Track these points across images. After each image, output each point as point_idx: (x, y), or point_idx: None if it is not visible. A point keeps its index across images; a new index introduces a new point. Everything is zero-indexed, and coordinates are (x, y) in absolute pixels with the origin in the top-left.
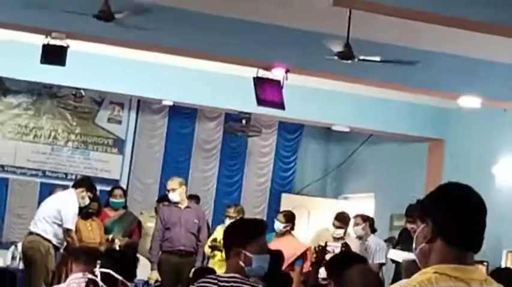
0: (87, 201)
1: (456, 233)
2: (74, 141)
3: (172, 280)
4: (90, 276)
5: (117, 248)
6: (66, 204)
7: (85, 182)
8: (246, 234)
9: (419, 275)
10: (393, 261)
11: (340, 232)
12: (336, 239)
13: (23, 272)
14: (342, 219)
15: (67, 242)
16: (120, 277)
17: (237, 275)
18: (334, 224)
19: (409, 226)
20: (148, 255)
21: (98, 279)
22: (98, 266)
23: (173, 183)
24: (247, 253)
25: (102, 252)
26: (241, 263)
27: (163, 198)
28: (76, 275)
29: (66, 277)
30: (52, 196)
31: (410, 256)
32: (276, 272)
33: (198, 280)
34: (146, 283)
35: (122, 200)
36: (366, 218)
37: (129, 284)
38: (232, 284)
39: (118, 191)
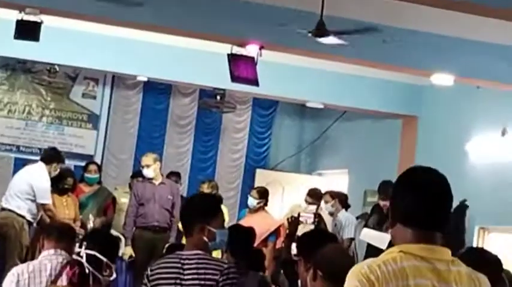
0: (58, 171)
1: (407, 215)
2: (48, 116)
3: (146, 256)
4: (75, 257)
5: (91, 225)
6: (38, 179)
7: (55, 157)
8: (210, 210)
9: (385, 254)
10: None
11: (312, 208)
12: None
13: None
14: (314, 195)
15: (49, 217)
16: (104, 259)
17: (200, 251)
18: (306, 200)
19: (382, 202)
20: (123, 231)
21: (84, 260)
22: (83, 247)
23: (147, 159)
24: (211, 229)
25: (74, 229)
26: (205, 238)
27: (137, 174)
28: (48, 252)
29: (40, 252)
30: (22, 171)
31: (382, 237)
32: (248, 248)
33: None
34: (120, 258)
35: (97, 175)
36: (335, 195)
37: (112, 265)
38: (196, 261)
39: (93, 167)
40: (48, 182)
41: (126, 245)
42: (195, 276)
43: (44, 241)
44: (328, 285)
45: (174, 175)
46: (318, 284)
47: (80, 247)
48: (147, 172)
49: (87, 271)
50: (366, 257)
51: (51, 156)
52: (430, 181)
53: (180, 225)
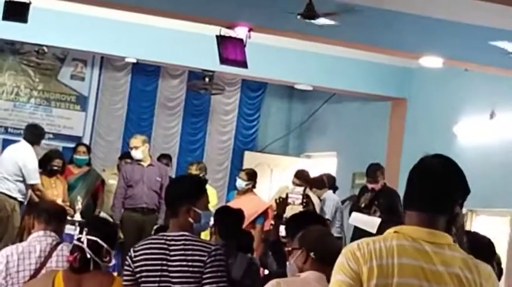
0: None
1: (408, 198)
2: (36, 97)
3: (135, 237)
4: (76, 243)
5: (80, 206)
6: (25, 160)
7: (39, 134)
8: (196, 191)
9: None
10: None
11: (300, 189)
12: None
13: None
14: (301, 177)
15: (37, 197)
16: (105, 245)
17: (186, 233)
18: (293, 182)
19: (370, 185)
20: (111, 212)
21: (85, 246)
22: (84, 233)
23: (136, 141)
24: (197, 210)
25: (65, 210)
26: (190, 220)
27: (125, 155)
28: (37, 233)
29: (29, 232)
30: (8, 151)
31: (372, 221)
32: (237, 230)
33: None
34: None
35: (86, 157)
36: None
37: (111, 251)
38: (183, 242)
39: (82, 148)
40: (35, 162)
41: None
42: (182, 257)
43: (34, 222)
44: (319, 267)
45: (165, 158)
46: (309, 266)
47: (81, 232)
48: (136, 154)
49: (88, 256)
50: (352, 241)
51: (33, 135)
52: (432, 165)
53: None
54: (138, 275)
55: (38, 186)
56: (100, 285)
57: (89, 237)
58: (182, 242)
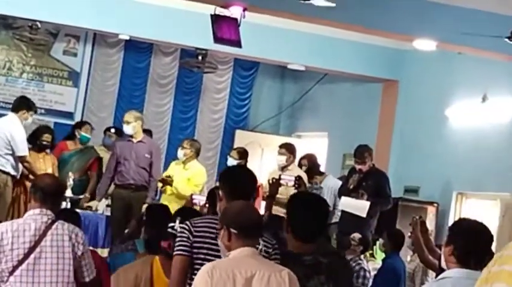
0: (30, 120)
1: None
2: (28, 73)
3: (122, 214)
4: (170, 230)
5: (71, 182)
6: (12, 132)
7: (24, 103)
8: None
9: None
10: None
11: (283, 158)
12: (281, 168)
13: None
14: (284, 146)
15: (25, 168)
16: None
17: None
18: (278, 152)
19: (357, 166)
20: (98, 187)
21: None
22: (177, 221)
23: (129, 116)
24: None
25: (61, 187)
26: None
27: (109, 128)
28: (33, 211)
29: (25, 208)
30: None
31: (362, 204)
32: None
33: (151, 215)
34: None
35: (90, 136)
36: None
37: None
38: None
39: (88, 127)
40: (22, 132)
41: (97, 200)
42: None
43: (31, 198)
44: (244, 241)
45: (146, 132)
46: (234, 243)
47: (174, 221)
48: (127, 129)
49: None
50: (339, 225)
51: (18, 103)
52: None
53: (159, 184)
54: (196, 251)
55: (27, 158)
56: None
57: (182, 225)
58: None
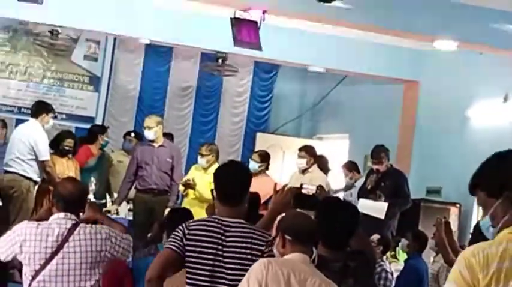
0: (51, 123)
1: None
2: (49, 78)
3: (145, 218)
4: None
5: (93, 187)
6: (35, 137)
7: (42, 107)
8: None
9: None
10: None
11: (303, 161)
12: (302, 171)
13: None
14: (304, 148)
15: (46, 172)
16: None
17: (242, 220)
18: (298, 155)
19: (374, 166)
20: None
21: None
22: None
23: (150, 121)
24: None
25: (84, 194)
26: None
27: (129, 133)
28: (58, 215)
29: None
30: (17, 131)
31: (380, 206)
32: (254, 214)
33: (174, 219)
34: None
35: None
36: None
37: None
38: (240, 229)
39: (108, 131)
40: (44, 137)
41: (116, 204)
42: (239, 244)
43: (54, 205)
44: (297, 248)
45: (167, 136)
46: (288, 249)
47: None
48: (148, 134)
49: None
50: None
51: (37, 108)
52: None
53: (180, 187)
54: (188, 253)
55: (48, 163)
56: None
57: (178, 227)
58: (239, 229)
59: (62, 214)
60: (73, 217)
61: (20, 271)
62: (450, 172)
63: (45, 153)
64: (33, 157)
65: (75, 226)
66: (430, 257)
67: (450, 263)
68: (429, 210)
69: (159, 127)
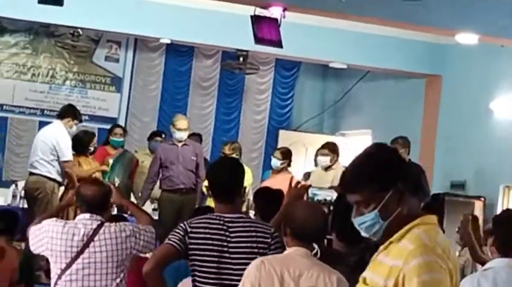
0: (74, 129)
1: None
2: (71, 80)
3: (173, 218)
4: None
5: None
6: (58, 138)
7: (70, 111)
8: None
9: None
10: None
11: (326, 159)
12: (325, 169)
13: (25, 211)
14: (327, 146)
15: (66, 173)
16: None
17: (243, 215)
18: (320, 153)
19: None
20: (141, 191)
21: None
22: None
23: (184, 123)
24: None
25: (105, 198)
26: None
27: (154, 134)
28: (84, 216)
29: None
30: (41, 133)
31: None
32: (276, 211)
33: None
34: None
35: (122, 139)
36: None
37: None
38: (242, 224)
39: (118, 130)
40: (67, 138)
41: (142, 205)
42: (243, 239)
43: (78, 208)
44: (298, 242)
45: (195, 136)
46: (288, 240)
47: None
48: (183, 135)
49: None
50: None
51: (65, 111)
52: None
53: (203, 187)
54: (192, 252)
55: (69, 164)
56: None
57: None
58: (241, 224)
59: (87, 215)
60: (98, 217)
61: (46, 272)
62: (474, 166)
63: (67, 154)
64: (56, 158)
65: (100, 225)
66: (456, 252)
67: (478, 260)
68: (453, 204)
69: (189, 128)
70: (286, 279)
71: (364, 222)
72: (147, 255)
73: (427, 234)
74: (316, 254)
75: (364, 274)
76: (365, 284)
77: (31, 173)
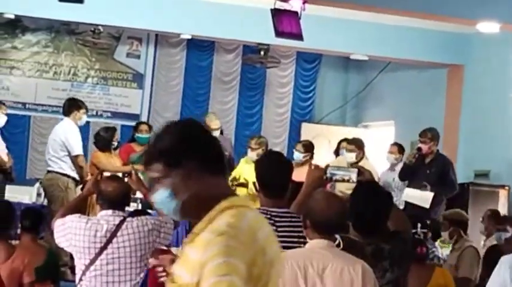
0: (85, 118)
1: None
2: (93, 77)
3: None
4: None
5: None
6: (66, 133)
7: (72, 105)
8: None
9: None
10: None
11: (353, 155)
12: (351, 165)
13: (47, 209)
14: (353, 142)
15: (80, 167)
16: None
17: (289, 210)
18: (346, 148)
19: (419, 144)
20: None
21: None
22: None
23: (216, 123)
24: None
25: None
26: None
27: None
28: (106, 212)
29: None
30: (51, 133)
31: (425, 195)
32: None
33: None
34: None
35: (148, 135)
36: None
37: None
38: (290, 219)
39: (144, 127)
40: (76, 133)
41: None
42: (291, 233)
43: (99, 205)
44: (317, 234)
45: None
46: (309, 232)
47: None
48: (214, 134)
49: None
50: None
51: (67, 106)
52: None
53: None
54: None
55: (81, 158)
56: None
57: None
58: (289, 218)
59: (109, 211)
60: (120, 213)
61: (71, 268)
62: (497, 155)
63: (77, 148)
64: (67, 154)
65: (122, 221)
66: (480, 242)
67: None
68: (478, 194)
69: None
70: (310, 274)
71: (158, 200)
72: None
73: (230, 220)
74: (338, 245)
75: (173, 268)
76: (172, 283)
77: (47, 172)
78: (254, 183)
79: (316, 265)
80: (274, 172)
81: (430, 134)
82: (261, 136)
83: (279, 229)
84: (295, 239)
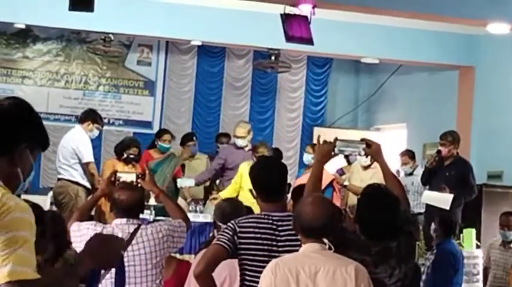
0: (96, 133)
1: None
2: (105, 85)
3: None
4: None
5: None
6: (76, 141)
7: (89, 115)
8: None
9: None
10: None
11: (367, 159)
12: (364, 168)
13: None
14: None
15: (91, 174)
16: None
17: (291, 213)
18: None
19: (439, 147)
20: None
21: None
22: None
23: (243, 131)
24: None
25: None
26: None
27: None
28: (120, 221)
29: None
30: (62, 140)
31: (444, 197)
32: None
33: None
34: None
35: (170, 145)
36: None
37: None
38: (291, 222)
39: (167, 136)
40: (87, 140)
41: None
42: (292, 237)
43: (113, 214)
44: (307, 240)
45: (226, 137)
46: (301, 237)
47: None
48: (239, 142)
49: None
50: (425, 216)
51: (85, 115)
52: None
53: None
54: (242, 251)
55: (92, 165)
56: None
57: (227, 224)
58: (290, 222)
59: (124, 220)
60: (135, 221)
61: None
62: (510, 156)
63: (87, 155)
64: (77, 161)
65: (137, 229)
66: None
67: None
68: (491, 195)
69: (250, 134)
70: (302, 279)
71: None
72: (186, 258)
73: None
74: (329, 248)
75: None
76: None
77: (58, 179)
78: (251, 190)
79: (308, 269)
80: (267, 174)
81: (450, 137)
82: (263, 142)
83: (282, 234)
84: (298, 243)
